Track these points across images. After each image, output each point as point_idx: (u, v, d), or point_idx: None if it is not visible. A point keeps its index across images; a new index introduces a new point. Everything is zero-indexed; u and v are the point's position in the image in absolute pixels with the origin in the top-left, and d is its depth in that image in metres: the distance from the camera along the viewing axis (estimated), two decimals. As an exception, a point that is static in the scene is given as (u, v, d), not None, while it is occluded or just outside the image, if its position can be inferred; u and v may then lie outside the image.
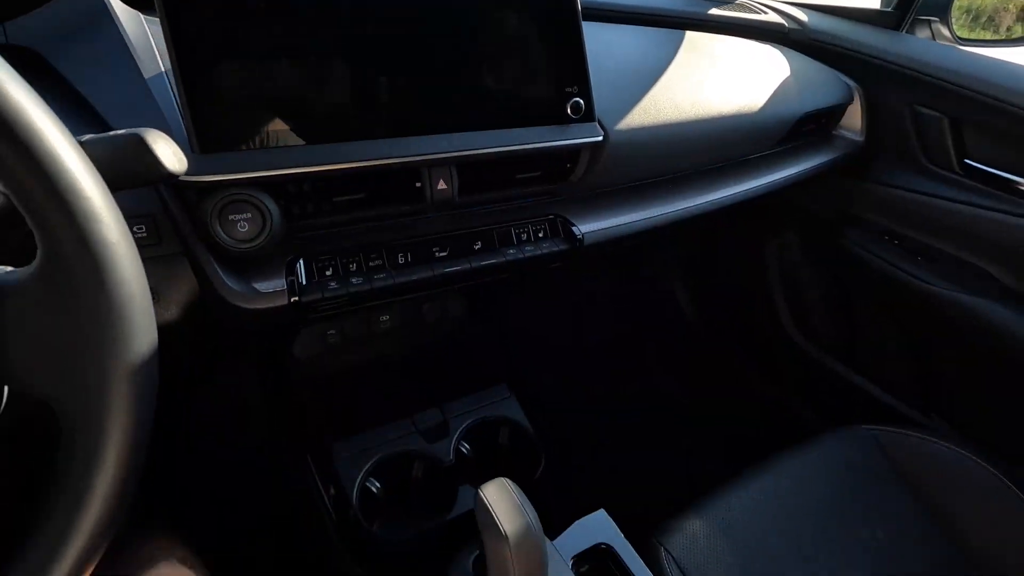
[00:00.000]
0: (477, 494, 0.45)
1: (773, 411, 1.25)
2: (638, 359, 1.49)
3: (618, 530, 0.58)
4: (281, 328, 0.73)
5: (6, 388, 0.31)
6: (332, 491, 0.62)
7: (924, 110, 0.98)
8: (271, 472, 1.03)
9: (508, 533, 0.42)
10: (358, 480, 0.64)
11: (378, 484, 0.67)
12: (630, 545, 0.56)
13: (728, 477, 0.80)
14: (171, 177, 0.36)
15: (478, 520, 0.44)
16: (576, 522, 0.59)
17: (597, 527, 0.58)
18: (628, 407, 1.31)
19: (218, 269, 0.52)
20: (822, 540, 0.73)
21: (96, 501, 0.29)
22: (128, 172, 0.33)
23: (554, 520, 0.58)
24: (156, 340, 0.31)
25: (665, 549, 0.68)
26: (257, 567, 0.82)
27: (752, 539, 0.71)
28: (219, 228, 0.51)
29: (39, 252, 0.29)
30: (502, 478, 0.46)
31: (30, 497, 0.31)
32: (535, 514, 0.44)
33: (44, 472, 0.31)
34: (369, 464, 0.65)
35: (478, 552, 0.49)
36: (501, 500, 0.44)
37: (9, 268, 0.30)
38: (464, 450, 0.67)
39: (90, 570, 0.31)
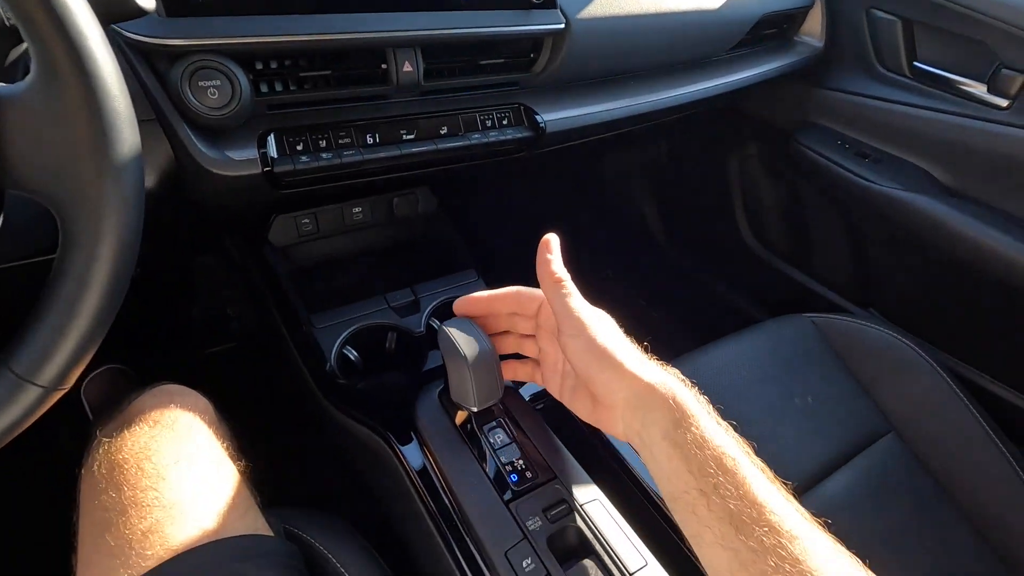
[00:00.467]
0: (440, 328, 0.51)
1: (726, 310, 1.34)
2: (600, 264, 1.57)
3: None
4: (257, 210, 0.76)
5: (7, 191, 0.34)
6: (310, 355, 0.68)
7: (880, 14, 1.01)
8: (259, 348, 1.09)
9: (467, 355, 0.48)
10: (335, 347, 0.69)
11: (355, 352, 0.72)
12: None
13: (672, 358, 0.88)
14: (140, 12, 0.39)
15: (441, 349, 0.50)
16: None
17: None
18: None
19: (191, 135, 0.55)
20: (756, 406, 0.82)
21: (96, 286, 0.33)
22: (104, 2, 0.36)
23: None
24: (140, 145, 0.34)
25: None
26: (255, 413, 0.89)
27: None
28: (189, 93, 0.53)
29: (34, 66, 0.32)
30: (465, 318, 0.52)
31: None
32: (492, 345, 0.50)
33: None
34: (345, 334, 0.70)
35: (443, 386, 0.55)
36: (462, 332, 0.50)
37: (3, 84, 0.33)
38: (435, 325, 0.73)
39: (90, 353, 0.35)
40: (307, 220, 0.80)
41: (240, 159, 0.58)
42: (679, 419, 0.38)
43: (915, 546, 0.75)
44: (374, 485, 0.60)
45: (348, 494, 0.66)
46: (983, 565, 0.77)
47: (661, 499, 0.54)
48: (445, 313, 0.77)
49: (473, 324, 0.51)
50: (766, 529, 0.34)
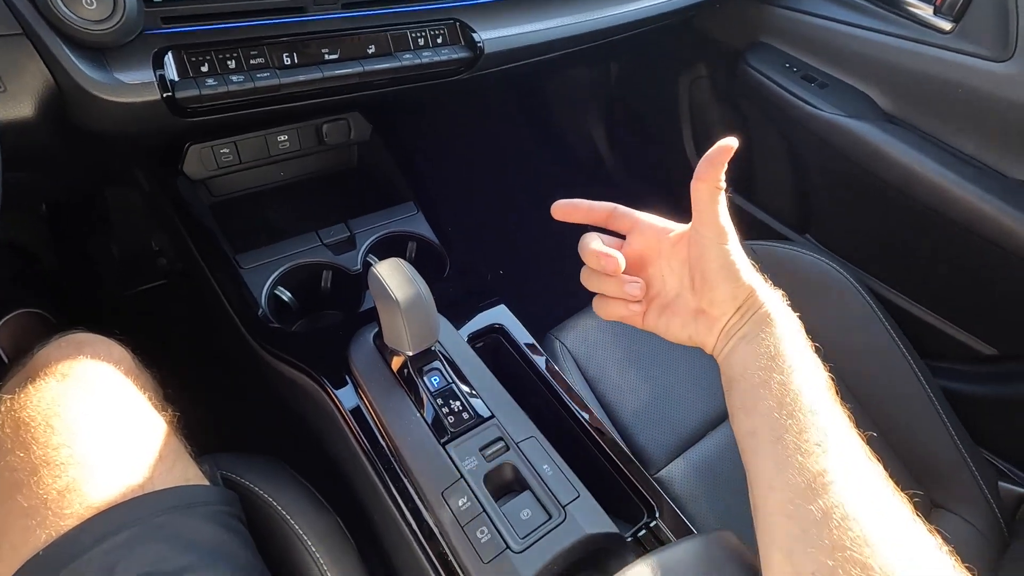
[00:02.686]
0: (371, 270, 0.48)
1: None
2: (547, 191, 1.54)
3: (514, 317, 0.64)
4: (166, 139, 0.69)
5: None
6: (239, 298, 0.64)
7: (834, -76, 0.97)
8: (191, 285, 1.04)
9: (399, 300, 0.46)
10: (266, 288, 0.65)
11: (288, 294, 0.69)
12: (523, 327, 0.63)
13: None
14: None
15: (372, 292, 0.48)
16: (478, 314, 0.65)
17: (495, 315, 0.64)
18: (537, 237, 1.38)
19: (69, 54, 0.48)
20: (696, 331, 0.84)
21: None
22: None
23: (462, 315, 0.63)
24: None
25: (560, 341, 0.77)
26: (190, 356, 0.86)
27: (634, 331, 0.81)
28: (60, 3, 0.45)
29: None
30: (396, 258, 0.49)
31: None
32: (426, 287, 0.48)
33: None
34: (276, 274, 0.67)
35: (378, 328, 0.53)
36: (394, 274, 0.47)
37: None
38: (372, 262, 0.70)
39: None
40: (226, 150, 0.73)
41: (133, 83, 0.51)
42: (781, 334, 0.41)
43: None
44: (313, 428, 0.59)
45: (288, 437, 0.65)
46: (893, 472, 0.84)
47: (598, 431, 0.56)
48: (382, 250, 0.74)
49: (406, 264, 0.49)
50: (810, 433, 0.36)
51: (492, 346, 0.62)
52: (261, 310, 0.62)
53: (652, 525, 0.47)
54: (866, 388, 0.89)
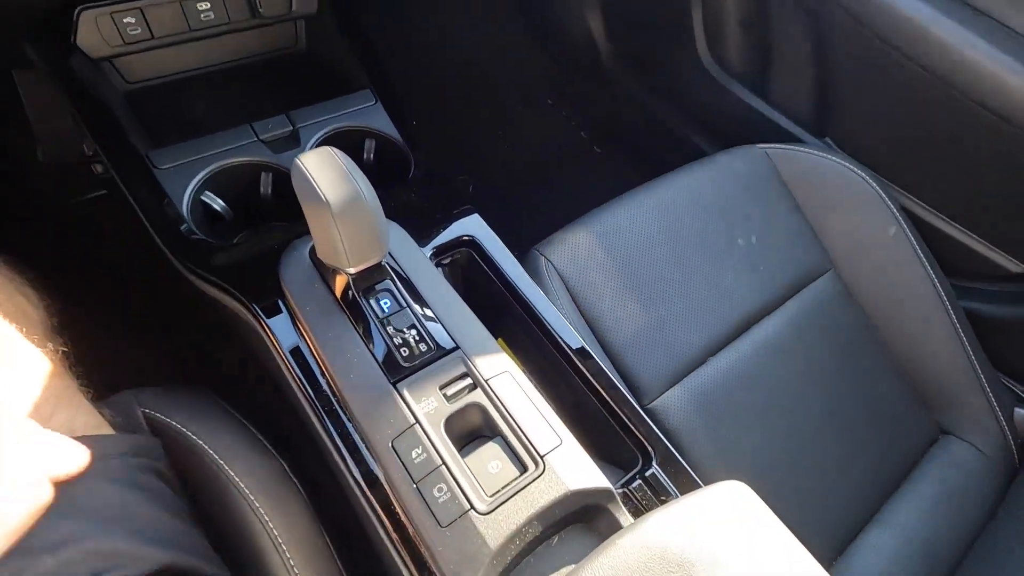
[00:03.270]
0: (294, 163, 0.37)
1: (676, 142, 1.22)
2: (538, 90, 1.38)
3: (490, 230, 0.54)
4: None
5: None
6: (154, 204, 0.53)
7: None
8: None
9: (331, 201, 0.35)
10: (188, 192, 0.54)
11: (220, 201, 0.57)
12: (500, 241, 0.52)
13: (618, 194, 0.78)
14: None
15: (297, 193, 0.37)
16: (446, 227, 0.54)
17: (466, 227, 0.53)
18: (521, 143, 1.24)
19: None
20: (699, 245, 0.75)
21: None
22: None
23: (427, 227, 0.53)
24: None
25: (545, 258, 0.67)
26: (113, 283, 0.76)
27: (633, 244, 0.71)
28: None
29: None
30: (327, 147, 0.38)
31: None
32: (368, 184, 0.37)
33: None
34: (201, 175, 0.55)
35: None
36: (324, 167, 0.36)
37: None
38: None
39: None
40: (131, 19, 0.58)
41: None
42: None
43: (840, 388, 0.75)
44: (254, 360, 0.50)
45: (226, 370, 0.56)
46: (902, 406, 0.79)
47: (586, 363, 0.47)
48: (331, 145, 0.62)
49: (339, 155, 0.38)
50: None
51: (461, 263, 0.52)
52: (185, 225, 0.51)
53: (648, 474, 0.40)
54: (883, 304, 0.82)
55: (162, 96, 0.65)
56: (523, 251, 0.68)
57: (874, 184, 0.83)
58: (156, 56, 0.65)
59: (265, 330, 0.42)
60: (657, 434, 0.42)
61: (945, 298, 0.79)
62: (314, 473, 0.45)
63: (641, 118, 1.29)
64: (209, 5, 0.62)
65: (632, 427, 0.42)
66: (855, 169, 0.84)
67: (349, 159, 0.38)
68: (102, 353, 0.49)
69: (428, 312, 0.42)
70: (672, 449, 0.41)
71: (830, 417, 0.73)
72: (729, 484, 0.34)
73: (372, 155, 0.64)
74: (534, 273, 0.66)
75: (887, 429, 0.76)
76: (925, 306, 0.80)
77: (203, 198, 0.56)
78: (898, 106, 0.93)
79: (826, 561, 0.66)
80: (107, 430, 0.40)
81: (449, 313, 0.42)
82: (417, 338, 0.40)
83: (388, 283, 0.42)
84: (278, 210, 0.60)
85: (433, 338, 0.40)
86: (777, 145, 0.88)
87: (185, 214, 0.53)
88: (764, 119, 1.08)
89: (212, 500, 0.45)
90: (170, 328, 0.72)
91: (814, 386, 0.74)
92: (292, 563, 0.41)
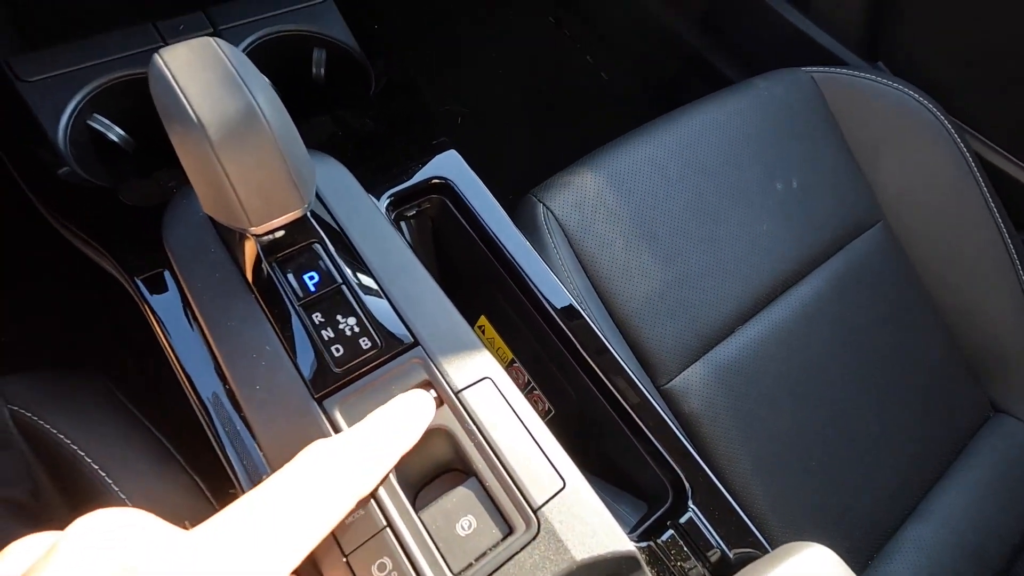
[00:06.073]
0: (152, 61, 0.23)
1: (704, 67, 1.05)
2: (543, 6, 1.19)
3: (470, 171, 0.41)
4: None
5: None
6: (19, 131, 0.39)
7: None
8: None
9: (205, 121, 0.22)
10: (67, 114, 0.40)
11: (117, 128, 0.44)
12: (482, 185, 0.39)
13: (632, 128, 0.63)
14: None
15: (158, 108, 0.24)
16: (413, 167, 0.40)
17: (438, 167, 0.40)
18: (516, 51, 1.06)
19: None
20: (729, 190, 0.61)
21: None
22: None
23: (385, 166, 0.39)
24: None
25: (544, 204, 0.54)
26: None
27: (649, 189, 0.58)
28: None
29: None
30: (205, 38, 0.24)
31: None
32: (270, 92, 0.24)
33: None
34: (85, 92, 0.41)
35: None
36: (195, 67, 0.23)
37: None
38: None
39: None
40: None
41: None
42: None
43: (884, 358, 0.64)
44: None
45: (116, 342, 0.44)
46: (953, 379, 0.68)
47: (595, 347, 0.35)
48: (268, 59, 0.47)
49: (225, 46, 0.24)
50: None
51: (431, 215, 0.39)
52: (58, 151, 0.38)
53: (683, 520, 0.29)
54: (940, 261, 0.70)
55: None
56: (514, 199, 0.55)
57: (941, 116, 0.69)
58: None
59: (148, 311, 0.30)
60: (694, 458, 0.31)
61: (1016, 257, 0.67)
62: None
63: (663, 39, 1.11)
64: None
65: (660, 449, 0.31)
66: (919, 97, 0.70)
67: (242, 55, 0.24)
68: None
69: (374, 287, 0.29)
70: (715, 479, 0.30)
71: (871, 392, 0.63)
72: (811, 554, 0.23)
73: (323, 70, 0.50)
74: (529, 224, 0.53)
75: (934, 406, 0.66)
76: (990, 265, 0.68)
77: (91, 123, 0.42)
78: (971, 20, 0.76)
79: (863, 558, 0.57)
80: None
81: (405, 290, 0.29)
82: (357, 330, 0.27)
83: (316, 247, 0.29)
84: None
85: (381, 329, 0.28)
86: (825, 68, 0.73)
87: (62, 144, 0.39)
88: (803, 38, 0.91)
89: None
90: (48, 292, 0.58)
91: (855, 357, 0.63)
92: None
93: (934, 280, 0.71)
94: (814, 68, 0.74)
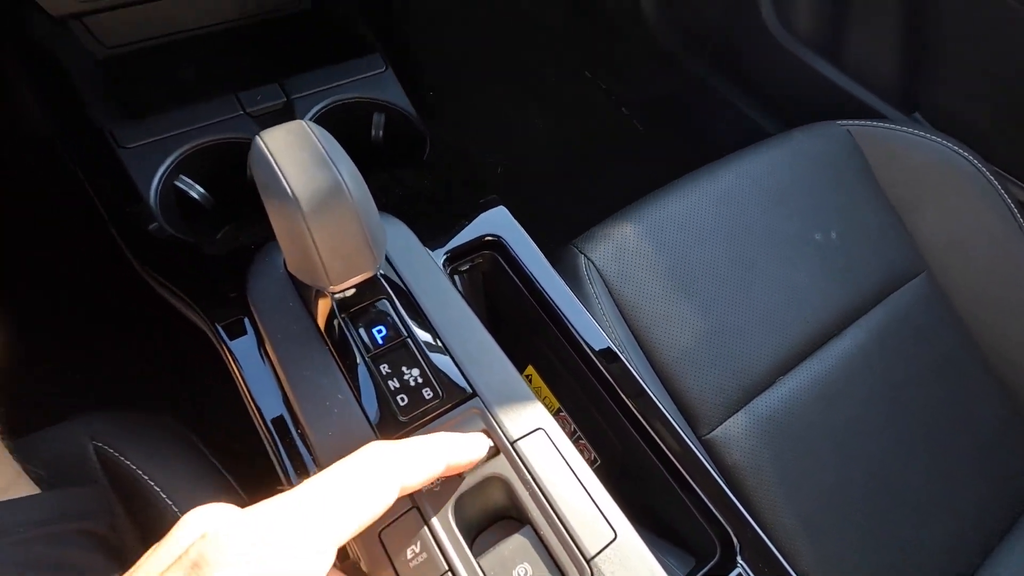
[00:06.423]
0: (253, 142, 0.27)
1: (737, 121, 1.08)
2: (575, 62, 1.24)
3: (519, 226, 0.43)
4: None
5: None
6: (116, 192, 0.44)
7: None
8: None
9: (300, 196, 0.25)
10: (159, 176, 0.45)
11: (199, 187, 0.48)
12: (531, 241, 0.42)
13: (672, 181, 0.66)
14: None
15: (256, 182, 0.27)
16: (469, 223, 0.43)
17: (490, 222, 0.43)
18: (554, 106, 1.10)
19: None
20: (767, 241, 0.63)
21: None
22: None
23: (440, 224, 0.42)
24: None
25: (585, 256, 0.56)
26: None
27: (688, 240, 0.59)
28: None
29: None
30: (299, 121, 0.28)
31: None
32: (353, 170, 0.27)
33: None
34: (174, 156, 0.46)
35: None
36: (292, 148, 0.26)
37: None
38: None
39: None
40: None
41: None
42: None
43: (934, 413, 0.63)
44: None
45: (194, 388, 0.47)
46: (1009, 434, 0.66)
47: (641, 403, 0.36)
48: (334, 123, 0.52)
49: (315, 130, 0.27)
50: None
51: (483, 270, 0.42)
52: (149, 209, 0.42)
53: None
54: (987, 312, 0.68)
55: (145, 64, 0.56)
56: (552, 247, 0.57)
57: (982, 167, 0.69)
58: (138, 15, 0.55)
59: (227, 355, 0.33)
60: (741, 512, 0.32)
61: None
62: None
63: (695, 93, 1.14)
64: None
65: (707, 502, 0.32)
66: (958, 149, 0.70)
67: (329, 136, 0.28)
68: (41, 371, 0.41)
69: (435, 341, 0.32)
70: (763, 535, 0.31)
71: (919, 448, 0.61)
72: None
73: (381, 132, 0.54)
74: (571, 274, 0.56)
75: (990, 463, 0.64)
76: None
77: (178, 184, 0.47)
78: (1011, 70, 0.77)
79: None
80: (20, 489, 0.31)
81: (465, 344, 0.31)
82: (420, 381, 0.30)
83: (384, 304, 0.32)
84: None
85: (442, 380, 0.30)
86: (861, 121, 0.74)
87: (153, 203, 0.44)
88: (840, 92, 0.93)
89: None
90: (134, 339, 0.62)
91: (900, 411, 0.62)
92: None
93: (983, 331, 0.69)
94: (850, 122, 0.75)
